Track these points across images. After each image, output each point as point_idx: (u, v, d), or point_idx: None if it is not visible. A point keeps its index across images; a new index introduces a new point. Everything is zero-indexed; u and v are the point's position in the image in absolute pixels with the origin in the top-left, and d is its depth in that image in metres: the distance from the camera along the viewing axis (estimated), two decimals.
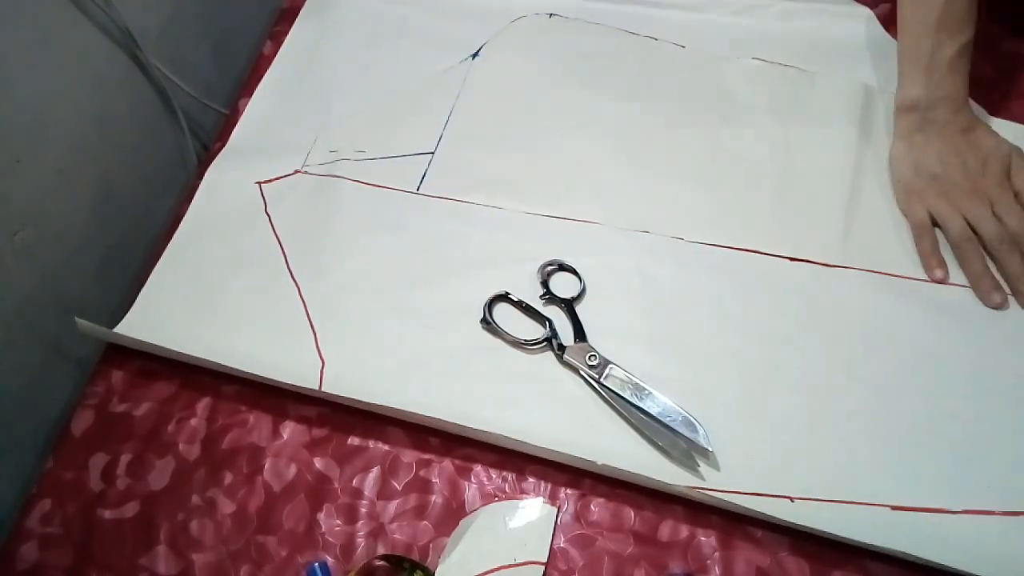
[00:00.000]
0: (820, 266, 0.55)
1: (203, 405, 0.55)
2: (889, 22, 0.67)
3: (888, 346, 0.52)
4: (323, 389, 0.52)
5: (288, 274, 0.58)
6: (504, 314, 0.55)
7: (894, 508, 0.46)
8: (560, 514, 0.49)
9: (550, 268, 0.56)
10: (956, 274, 0.54)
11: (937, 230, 0.55)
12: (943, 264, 0.53)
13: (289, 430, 0.53)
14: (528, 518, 0.49)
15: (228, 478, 0.52)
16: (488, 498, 0.50)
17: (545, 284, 0.56)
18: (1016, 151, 0.55)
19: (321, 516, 0.50)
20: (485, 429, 0.49)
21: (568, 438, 0.49)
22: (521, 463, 0.51)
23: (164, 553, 0.50)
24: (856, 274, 0.55)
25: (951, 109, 0.55)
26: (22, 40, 0.52)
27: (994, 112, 0.61)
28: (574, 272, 0.56)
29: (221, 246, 0.60)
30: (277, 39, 0.73)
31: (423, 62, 0.69)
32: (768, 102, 0.63)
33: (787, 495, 0.47)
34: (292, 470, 0.52)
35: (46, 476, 0.53)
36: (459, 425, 0.49)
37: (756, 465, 0.48)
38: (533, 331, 0.54)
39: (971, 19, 0.54)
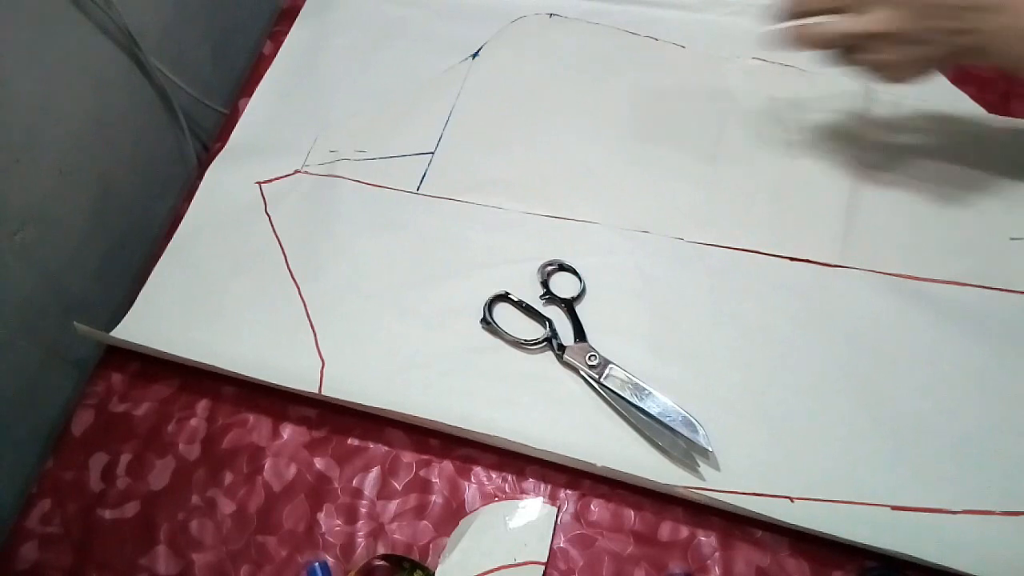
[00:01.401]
0: (820, 266, 0.55)
1: (203, 405, 0.55)
2: None
3: (888, 346, 0.52)
4: (323, 389, 0.52)
5: (288, 274, 0.58)
6: (504, 314, 0.55)
7: (894, 508, 0.46)
8: (560, 514, 0.49)
9: (550, 268, 0.56)
10: (957, 273, 0.54)
11: None
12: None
13: (289, 430, 0.53)
14: (528, 518, 0.49)
15: (228, 478, 0.52)
16: (488, 498, 0.50)
17: (545, 284, 0.56)
18: None
19: (321, 516, 0.50)
20: (485, 431, 0.49)
21: (568, 438, 0.49)
22: (521, 463, 0.51)
23: (164, 553, 0.50)
24: (856, 274, 0.55)
25: None
26: (22, 40, 0.52)
27: (994, 112, 0.61)
28: (574, 272, 0.56)
29: (221, 246, 0.60)
30: (277, 39, 0.73)
31: (423, 62, 0.69)
32: (768, 102, 0.63)
33: (787, 495, 0.47)
34: (292, 470, 0.52)
35: (46, 476, 0.53)
36: (459, 427, 0.49)
37: (756, 465, 0.48)
38: (533, 331, 0.54)
39: None
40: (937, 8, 0.47)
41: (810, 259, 0.56)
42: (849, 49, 0.50)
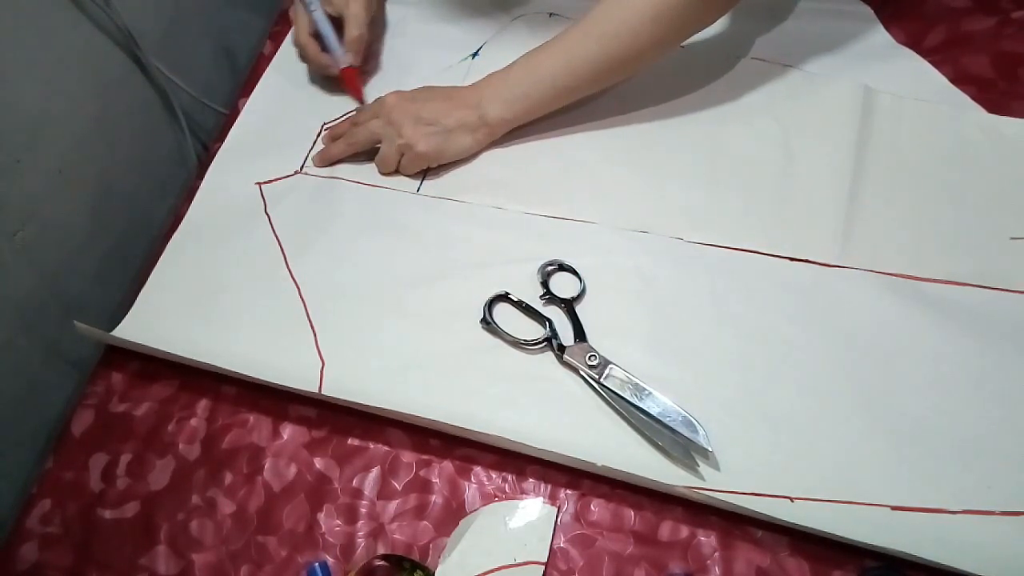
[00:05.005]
0: (820, 266, 0.55)
1: (203, 405, 0.55)
2: (890, 22, 0.67)
3: (888, 346, 0.52)
4: (323, 389, 0.52)
5: (288, 274, 0.58)
6: (504, 314, 0.55)
7: (894, 508, 0.46)
8: (560, 514, 0.49)
9: (550, 268, 0.56)
10: (957, 273, 0.54)
11: None
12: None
13: (289, 430, 0.53)
14: (528, 518, 0.49)
15: (228, 478, 0.52)
16: (488, 498, 0.50)
17: (545, 284, 0.56)
18: None
19: (321, 516, 0.50)
20: (485, 431, 0.49)
21: (568, 438, 0.49)
22: (521, 463, 0.51)
23: (164, 553, 0.50)
24: (856, 274, 0.55)
25: None
26: (22, 40, 0.52)
27: (994, 112, 0.61)
28: (574, 272, 0.56)
29: (221, 246, 0.60)
30: (277, 39, 0.73)
31: (423, 62, 0.69)
32: (768, 102, 0.63)
33: (787, 495, 0.47)
34: (292, 470, 0.52)
35: (46, 476, 0.53)
36: (459, 427, 0.49)
37: (756, 465, 0.48)
38: (533, 331, 0.54)
39: None
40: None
41: (810, 259, 0.56)
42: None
